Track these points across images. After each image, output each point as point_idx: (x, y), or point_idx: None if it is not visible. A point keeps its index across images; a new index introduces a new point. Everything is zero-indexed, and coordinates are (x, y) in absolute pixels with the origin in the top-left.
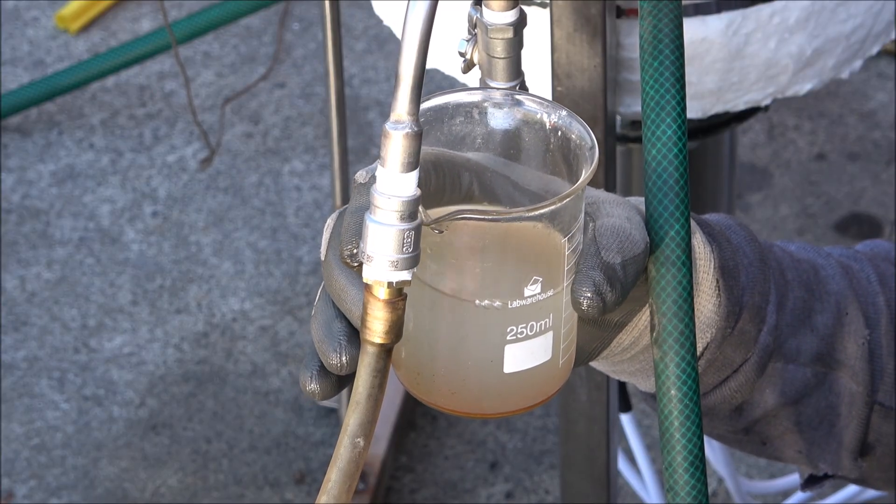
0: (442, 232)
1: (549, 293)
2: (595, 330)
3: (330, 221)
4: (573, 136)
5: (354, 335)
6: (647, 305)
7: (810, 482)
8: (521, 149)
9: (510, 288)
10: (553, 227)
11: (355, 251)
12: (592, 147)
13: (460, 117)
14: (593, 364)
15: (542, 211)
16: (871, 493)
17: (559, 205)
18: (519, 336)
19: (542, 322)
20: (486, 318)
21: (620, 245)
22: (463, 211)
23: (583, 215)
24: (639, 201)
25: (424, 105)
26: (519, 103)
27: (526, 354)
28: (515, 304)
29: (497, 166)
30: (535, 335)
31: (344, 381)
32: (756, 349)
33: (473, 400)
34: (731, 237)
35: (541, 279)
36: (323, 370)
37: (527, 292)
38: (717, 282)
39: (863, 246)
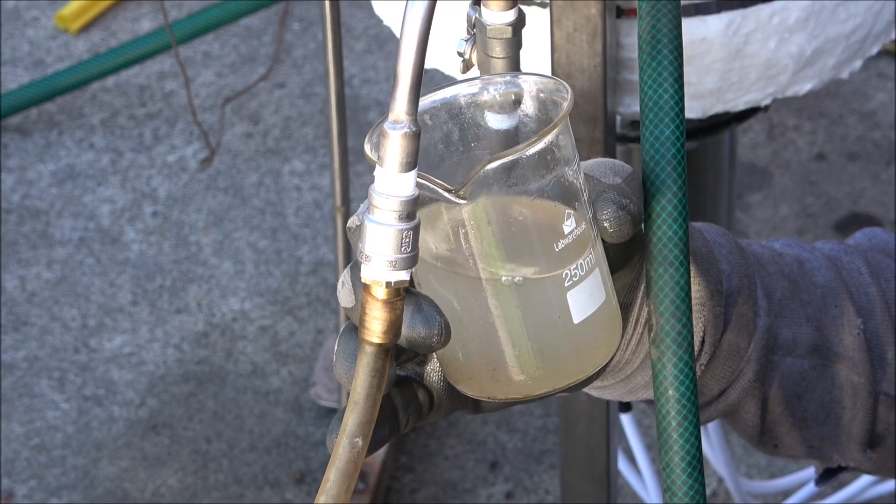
0: (467, 199)
1: (583, 227)
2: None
3: (344, 277)
4: (546, 93)
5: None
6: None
7: (825, 476)
8: (488, 138)
9: (550, 229)
10: (560, 160)
11: (350, 305)
12: (565, 86)
13: (441, 115)
14: (611, 394)
15: (553, 134)
16: (871, 493)
17: (561, 125)
18: (574, 279)
19: (587, 259)
20: (542, 271)
21: (613, 170)
22: (485, 163)
23: (577, 151)
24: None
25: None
26: (486, 88)
27: (586, 298)
28: (560, 244)
29: (477, 157)
30: (587, 274)
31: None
32: (757, 333)
33: (557, 370)
34: (703, 232)
35: (572, 212)
36: None
37: (566, 228)
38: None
39: (862, 234)
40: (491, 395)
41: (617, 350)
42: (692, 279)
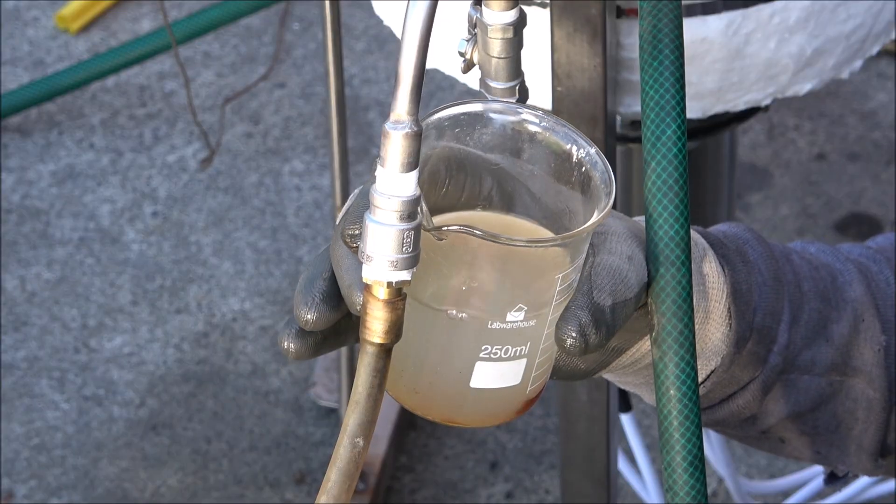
0: (442, 240)
1: (532, 323)
2: (593, 353)
3: (355, 192)
4: (596, 176)
5: (332, 296)
6: (647, 334)
7: (833, 477)
8: (545, 172)
9: (494, 309)
10: (551, 261)
11: (357, 232)
12: (609, 193)
13: (494, 128)
14: (605, 376)
15: (545, 245)
16: (871, 493)
17: (561, 242)
18: (492, 356)
19: (518, 348)
20: (463, 329)
21: (614, 287)
22: (467, 228)
23: (584, 256)
24: (642, 219)
25: (464, 108)
26: (554, 129)
27: (495, 374)
28: (495, 325)
29: (519, 175)
30: (509, 359)
31: (322, 346)
32: (764, 369)
33: (434, 404)
34: (747, 253)
35: (525, 308)
36: (301, 332)
37: (509, 317)
38: (729, 309)
39: (884, 238)
40: (389, 392)
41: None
42: (725, 326)
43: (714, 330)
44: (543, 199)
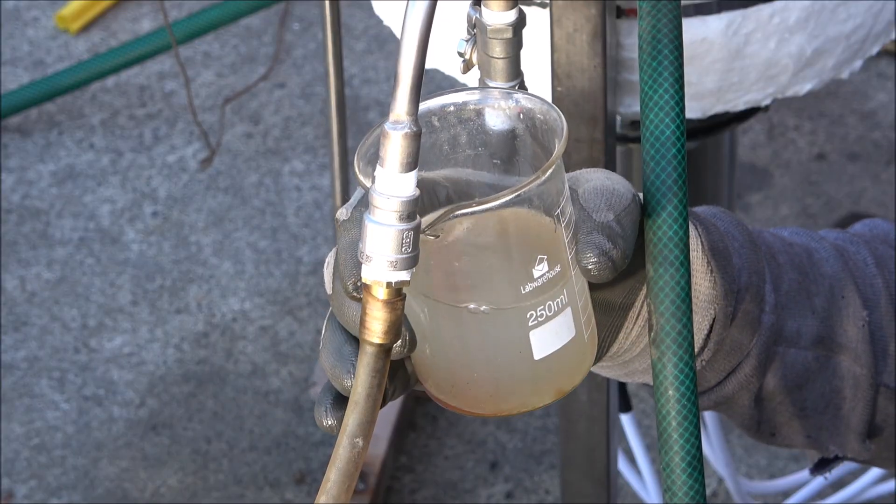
0: (438, 237)
1: (557, 269)
2: (602, 316)
3: (329, 258)
4: (537, 115)
5: None
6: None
7: (820, 466)
8: (489, 144)
9: (519, 273)
10: (543, 205)
11: (358, 283)
12: (560, 117)
13: (423, 129)
14: (608, 373)
15: (530, 186)
16: (871, 493)
17: (544, 177)
18: (540, 319)
19: (558, 300)
20: (504, 312)
21: (608, 202)
22: (453, 209)
23: (567, 187)
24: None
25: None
26: (474, 101)
27: (551, 336)
28: (528, 287)
29: (469, 176)
30: (555, 314)
31: None
32: (761, 329)
33: (512, 397)
34: (717, 223)
35: (545, 257)
36: (336, 403)
37: (535, 273)
38: (709, 262)
39: (862, 226)
40: (451, 405)
41: (606, 349)
42: (708, 274)
43: (700, 280)
44: (497, 183)
